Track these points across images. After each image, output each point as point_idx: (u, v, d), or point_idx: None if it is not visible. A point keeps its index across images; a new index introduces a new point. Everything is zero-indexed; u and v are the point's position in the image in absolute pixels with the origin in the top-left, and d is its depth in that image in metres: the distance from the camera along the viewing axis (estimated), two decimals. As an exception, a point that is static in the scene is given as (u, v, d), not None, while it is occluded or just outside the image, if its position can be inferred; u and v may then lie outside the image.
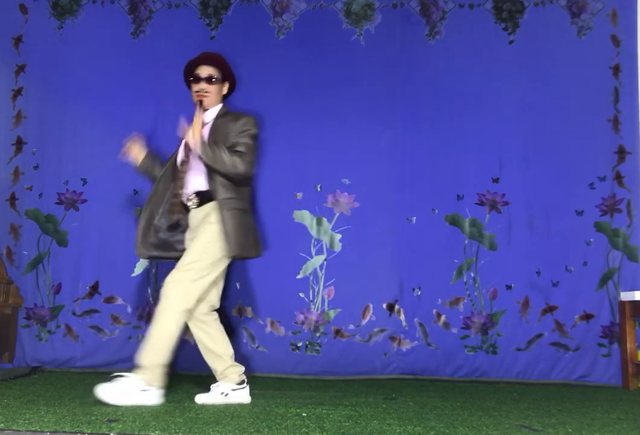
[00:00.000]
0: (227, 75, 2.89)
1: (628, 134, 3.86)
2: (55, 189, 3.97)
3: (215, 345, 2.75)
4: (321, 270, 3.84)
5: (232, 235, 2.65)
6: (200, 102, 2.79)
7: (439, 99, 3.95)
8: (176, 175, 2.79)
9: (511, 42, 3.99)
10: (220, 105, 2.89)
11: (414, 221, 3.88)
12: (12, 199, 3.97)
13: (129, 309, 3.86)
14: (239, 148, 2.70)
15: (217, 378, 2.78)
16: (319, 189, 3.89)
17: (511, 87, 3.92)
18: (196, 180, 2.74)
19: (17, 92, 4.06)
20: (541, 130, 3.89)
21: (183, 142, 2.82)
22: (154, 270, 3.88)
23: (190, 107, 3.94)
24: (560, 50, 3.95)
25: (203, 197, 2.73)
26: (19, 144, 4.02)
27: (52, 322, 3.87)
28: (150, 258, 3.03)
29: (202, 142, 2.66)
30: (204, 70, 2.82)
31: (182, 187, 2.74)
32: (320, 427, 2.09)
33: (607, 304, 3.76)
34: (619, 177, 3.84)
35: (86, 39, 4.07)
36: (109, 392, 2.51)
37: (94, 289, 3.87)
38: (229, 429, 2.02)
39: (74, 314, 3.86)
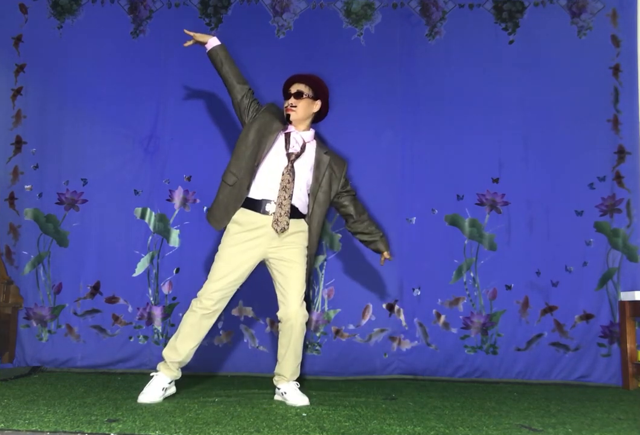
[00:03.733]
0: (318, 93, 2.96)
1: (628, 134, 3.86)
2: (55, 189, 3.97)
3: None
4: (321, 270, 3.84)
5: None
6: (288, 116, 2.88)
7: (439, 99, 3.95)
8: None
9: (511, 42, 3.99)
10: (312, 131, 2.96)
11: (414, 221, 3.89)
12: (12, 198, 3.97)
13: (130, 309, 3.86)
14: (349, 188, 3.07)
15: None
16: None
17: (511, 87, 3.93)
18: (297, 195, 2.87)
19: (17, 92, 4.06)
20: (541, 130, 3.89)
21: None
22: (154, 271, 3.88)
23: (191, 107, 3.99)
24: (560, 50, 3.95)
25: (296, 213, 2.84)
26: (19, 143, 4.02)
27: (52, 321, 3.87)
28: None
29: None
30: (294, 87, 2.93)
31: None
32: (320, 427, 2.09)
33: (606, 304, 3.77)
34: (618, 177, 3.84)
35: (86, 38, 4.07)
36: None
37: (96, 288, 3.87)
38: (229, 429, 2.02)
39: (75, 313, 3.86)
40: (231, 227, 2.81)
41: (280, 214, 2.75)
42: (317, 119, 3.03)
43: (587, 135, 3.86)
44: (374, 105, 3.94)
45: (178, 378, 2.78)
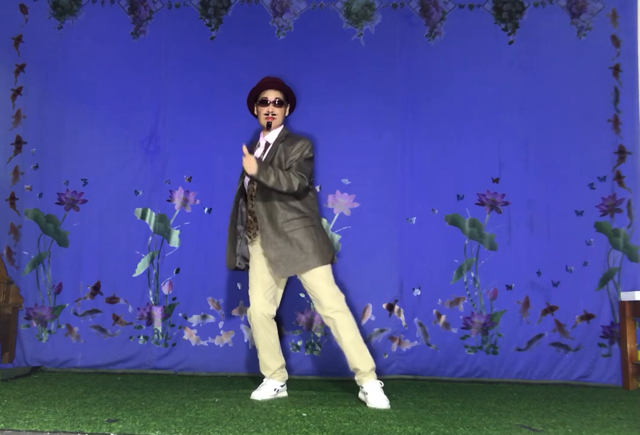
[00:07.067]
0: (289, 97, 3.07)
1: (628, 134, 3.86)
2: (55, 189, 3.97)
3: (277, 344, 2.97)
4: (321, 271, 3.83)
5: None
6: (269, 124, 2.94)
7: (439, 99, 3.95)
8: (247, 193, 2.99)
9: (511, 42, 3.99)
10: (281, 127, 3.04)
11: (413, 221, 3.88)
12: (12, 198, 3.98)
13: (130, 309, 3.86)
14: (293, 165, 2.89)
15: (268, 376, 2.95)
16: (318, 190, 3.90)
17: (511, 87, 3.92)
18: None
19: (17, 92, 4.06)
20: (541, 130, 3.89)
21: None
22: (155, 271, 3.88)
23: (192, 107, 4.00)
24: (560, 50, 3.95)
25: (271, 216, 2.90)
26: (19, 143, 4.03)
27: (52, 322, 3.87)
28: (237, 269, 3.13)
29: (260, 167, 2.77)
30: (272, 94, 2.99)
31: (253, 205, 2.92)
32: (320, 427, 2.09)
33: (607, 304, 3.76)
34: (619, 177, 3.84)
35: (86, 39, 4.07)
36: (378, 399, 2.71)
37: (96, 289, 3.88)
38: (229, 429, 2.02)
39: (75, 313, 3.86)
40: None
41: (251, 221, 2.93)
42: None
43: (587, 135, 3.86)
44: (374, 105, 3.94)
45: (287, 378, 2.99)
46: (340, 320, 2.80)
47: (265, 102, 2.96)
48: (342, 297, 2.86)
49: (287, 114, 3.10)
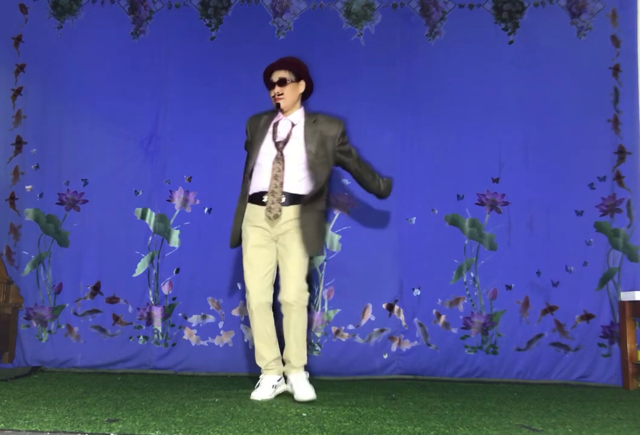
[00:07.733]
0: (300, 74, 2.99)
1: (628, 134, 3.86)
2: (55, 189, 3.97)
3: (273, 336, 2.94)
4: (321, 271, 3.84)
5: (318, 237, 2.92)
6: (278, 105, 2.92)
7: (439, 99, 3.95)
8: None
9: (511, 42, 3.99)
10: (301, 109, 3.01)
11: (413, 221, 3.89)
12: (12, 199, 3.98)
13: (130, 309, 3.86)
14: (352, 150, 3.07)
15: (263, 366, 2.92)
16: (319, 189, 3.89)
17: (511, 86, 3.92)
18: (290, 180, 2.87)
19: (17, 92, 4.06)
20: (541, 130, 3.89)
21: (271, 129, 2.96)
22: (154, 271, 3.88)
23: (191, 107, 4.00)
24: (560, 50, 3.95)
25: (293, 198, 2.86)
26: (19, 143, 4.03)
27: (52, 322, 3.87)
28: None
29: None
30: (276, 75, 2.95)
31: (279, 184, 2.86)
32: (320, 427, 2.09)
33: (607, 304, 3.76)
34: (619, 177, 3.84)
35: (86, 38, 4.07)
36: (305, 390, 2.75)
37: (96, 289, 3.88)
38: (229, 429, 2.02)
39: (75, 314, 3.86)
40: (245, 225, 2.92)
41: (273, 201, 2.83)
42: (305, 96, 3.08)
43: (587, 135, 3.86)
44: (374, 105, 3.94)
45: (283, 371, 2.92)
46: (297, 313, 2.82)
47: (271, 84, 2.96)
48: (307, 293, 2.86)
49: (301, 90, 2.99)
